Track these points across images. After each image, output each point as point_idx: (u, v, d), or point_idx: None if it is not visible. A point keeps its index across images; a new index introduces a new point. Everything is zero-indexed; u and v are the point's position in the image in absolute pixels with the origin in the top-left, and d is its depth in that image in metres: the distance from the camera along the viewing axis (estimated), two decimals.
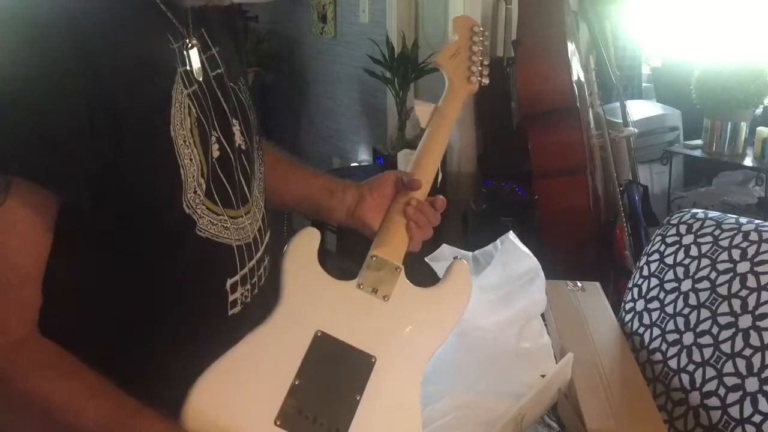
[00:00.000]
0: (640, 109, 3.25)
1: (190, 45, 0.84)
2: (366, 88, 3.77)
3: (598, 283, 1.70)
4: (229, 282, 0.88)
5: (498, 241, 1.47)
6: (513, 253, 1.43)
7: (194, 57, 0.84)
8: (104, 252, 0.81)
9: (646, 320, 1.50)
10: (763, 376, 1.26)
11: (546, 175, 2.44)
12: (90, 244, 0.80)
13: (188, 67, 0.83)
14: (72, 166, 0.73)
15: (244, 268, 0.90)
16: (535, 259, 1.44)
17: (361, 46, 3.66)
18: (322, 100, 4.20)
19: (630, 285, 1.60)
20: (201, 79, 0.85)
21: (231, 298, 0.89)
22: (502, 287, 1.41)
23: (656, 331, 1.46)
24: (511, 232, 1.46)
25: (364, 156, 3.87)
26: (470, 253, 1.50)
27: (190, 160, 0.81)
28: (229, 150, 0.88)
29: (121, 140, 0.75)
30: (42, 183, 0.73)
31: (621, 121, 2.93)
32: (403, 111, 3.29)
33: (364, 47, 3.53)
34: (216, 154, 0.86)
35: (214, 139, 0.86)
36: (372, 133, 3.83)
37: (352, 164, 3.86)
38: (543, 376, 1.32)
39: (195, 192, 0.81)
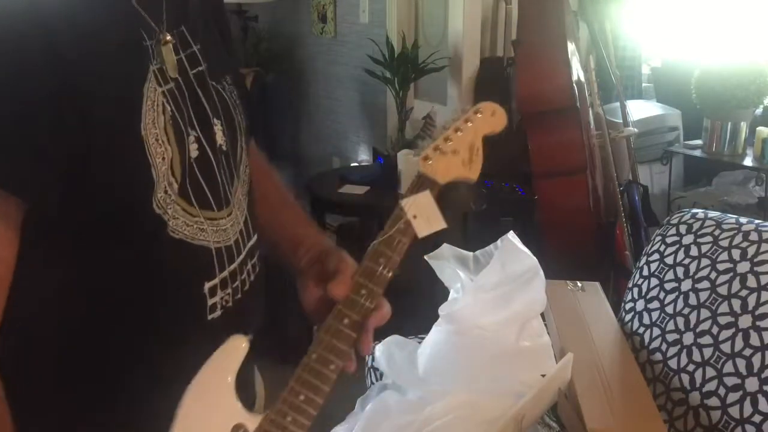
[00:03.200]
0: (640, 109, 3.25)
1: (162, 42, 0.82)
2: (366, 88, 3.77)
3: (598, 283, 1.70)
4: (207, 285, 0.85)
5: (498, 241, 1.47)
6: (512, 252, 1.43)
7: (168, 54, 0.82)
8: (74, 256, 0.78)
9: (646, 320, 1.50)
10: (763, 376, 1.26)
11: (546, 175, 2.44)
12: (59, 249, 0.77)
13: (162, 65, 0.81)
14: (36, 168, 0.71)
15: (224, 271, 0.86)
16: (534, 258, 1.44)
17: (361, 46, 3.66)
18: (322, 100, 4.20)
19: (630, 285, 1.60)
20: (177, 77, 0.83)
21: (210, 302, 0.85)
22: (502, 286, 1.41)
23: (656, 331, 1.46)
24: (511, 231, 1.46)
25: (364, 156, 3.88)
26: (471, 254, 1.50)
27: (162, 158, 0.79)
28: (209, 150, 0.86)
29: (90, 139, 0.73)
30: (4, 187, 0.71)
31: (621, 121, 2.93)
32: (403, 111, 3.29)
33: (364, 47, 3.53)
34: (194, 153, 0.83)
35: (192, 138, 0.83)
36: (372, 133, 3.83)
37: (352, 164, 3.86)
38: (543, 375, 1.32)
39: (165, 191, 0.79)
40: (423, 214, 0.86)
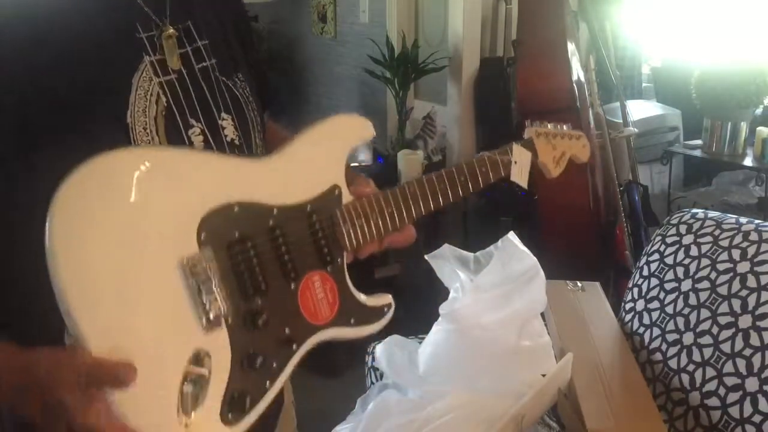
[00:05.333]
0: (640, 109, 3.25)
1: (166, 35, 0.84)
2: (366, 88, 3.77)
3: (598, 283, 1.70)
4: None
5: (498, 242, 1.47)
6: (512, 252, 1.43)
7: (170, 46, 0.84)
8: None
9: (646, 320, 1.50)
10: (763, 376, 1.26)
11: None
12: None
13: (160, 56, 0.83)
14: None
15: None
16: (534, 258, 1.44)
17: (361, 46, 3.66)
18: (322, 100, 4.20)
19: (630, 285, 1.60)
20: (181, 69, 0.85)
21: None
22: (502, 286, 1.41)
23: (656, 331, 1.46)
24: (511, 232, 1.46)
25: (363, 156, 3.87)
26: (471, 254, 1.50)
27: None
28: (213, 144, 0.88)
29: (59, 121, 0.76)
30: None
31: (621, 121, 2.93)
32: (403, 111, 3.29)
33: (364, 47, 3.53)
34: (200, 146, 0.86)
35: (197, 130, 0.85)
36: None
37: (352, 164, 3.86)
38: (543, 375, 1.32)
39: None
40: (520, 165, 1.03)
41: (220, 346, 0.75)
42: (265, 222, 0.82)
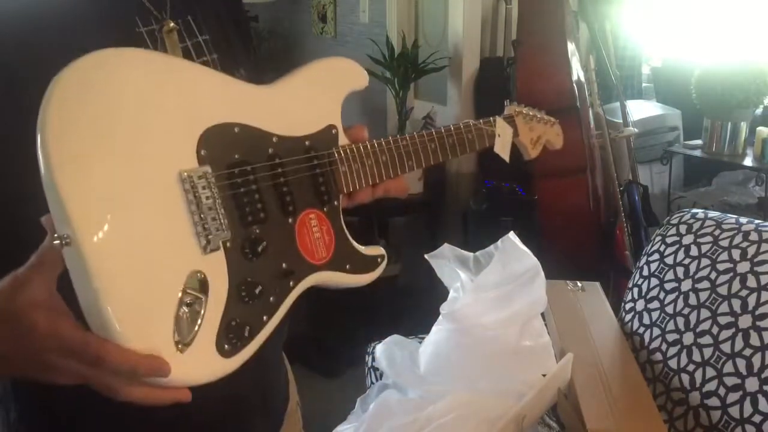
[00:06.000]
0: (640, 109, 3.25)
1: (167, 29, 0.84)
2: (366, 88, 3.77)
3: (598, 283, 1.71)
4: None
5: (499, 242, 1.47)
6: (512, 252, 1.43)
7: (170, 41, 0.84)
8: None
9: (646, 320, 1.50)
10: (763, 376, 1.26)
11: (546, 175, 2.44)
12: None
13: (161, 51, 0.83)
14: None
15: None
16: (535, 258, 1.44)
17: (361, 46, 3.66)
18: None
19: (630, 285, 1.60)
20: None
21: None
22: (502, 286, 1.41)
23: (656, 331, 1.47)
24: (511, 232, 1.47)
25: None
26: (471, 254, 1.50)
27: None
28: None
29: None
30: None
31: (621, 121, 2.93)
32: (403, 111, 3.29)
33: (364, 47, 3.53)
34: None
35: None
36: (372, 133, 3.82)
37: None
38: (544, 375, 1.32)
39: None
40: (503, 139, 1.05)
41: (217, 271, 0.73)
42: (265, 148, 0.81)
